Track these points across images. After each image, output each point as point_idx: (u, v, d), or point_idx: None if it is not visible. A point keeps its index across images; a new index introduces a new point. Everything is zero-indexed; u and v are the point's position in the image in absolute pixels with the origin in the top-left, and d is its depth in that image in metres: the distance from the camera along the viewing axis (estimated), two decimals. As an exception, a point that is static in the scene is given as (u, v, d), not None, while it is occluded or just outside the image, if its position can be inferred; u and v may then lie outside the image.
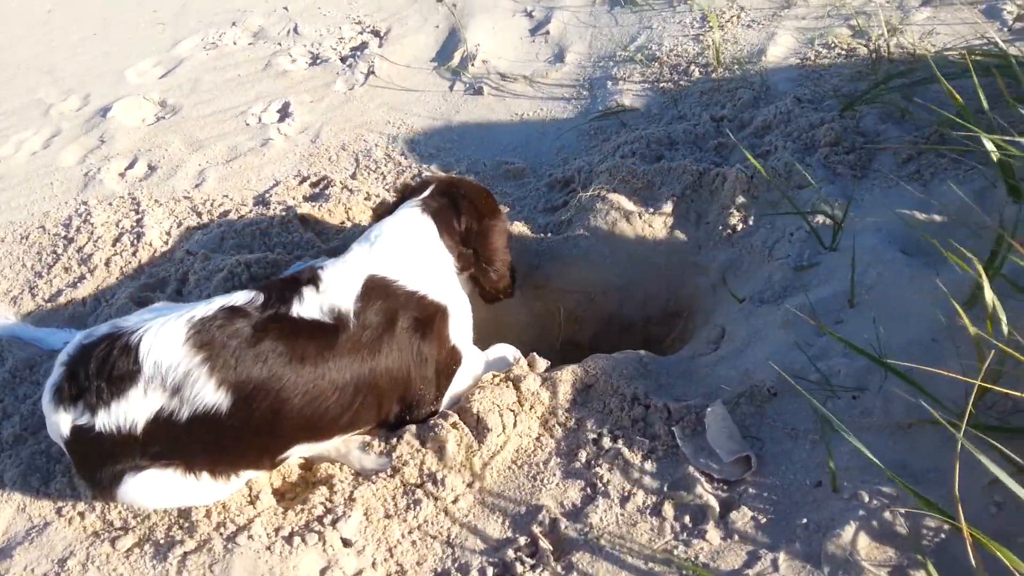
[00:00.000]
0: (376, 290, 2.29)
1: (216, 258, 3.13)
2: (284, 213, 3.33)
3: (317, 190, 3.60)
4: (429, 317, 2.36)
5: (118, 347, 2.05)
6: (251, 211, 3.44)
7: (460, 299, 2.54)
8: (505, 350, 2.67)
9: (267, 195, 3.56)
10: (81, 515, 2.30)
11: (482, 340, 3.05)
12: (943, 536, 1.88)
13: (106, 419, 2.02)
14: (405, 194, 2.73)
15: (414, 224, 2.53)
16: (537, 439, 2.38)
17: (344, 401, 2.21)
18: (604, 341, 3.12)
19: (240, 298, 2.19)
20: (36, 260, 3.35)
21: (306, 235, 3.22)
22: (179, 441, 2.07)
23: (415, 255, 2.45)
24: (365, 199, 3.41)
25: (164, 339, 2.06)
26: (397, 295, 2.32)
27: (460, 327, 2.49)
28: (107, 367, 2.03)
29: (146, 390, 2.02)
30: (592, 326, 3.11)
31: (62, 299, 3.13)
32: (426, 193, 2.65)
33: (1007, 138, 2.42)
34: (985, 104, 2.54)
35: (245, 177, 3.75)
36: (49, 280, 3.23)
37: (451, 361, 2.43)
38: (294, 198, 3.52)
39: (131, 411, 2.02)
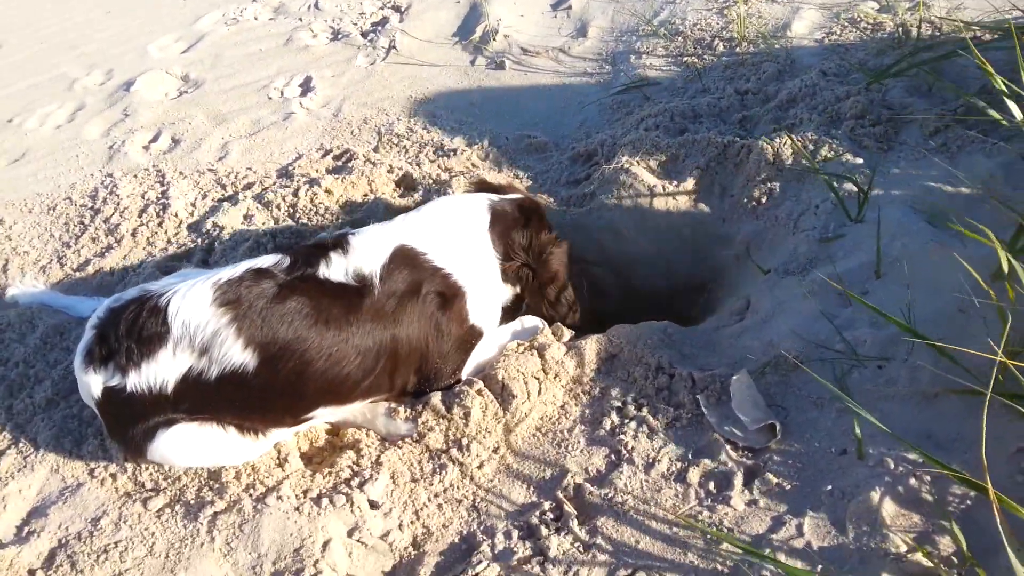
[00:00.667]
0: (403, 259, 2.30)
1: (240, 232, 3.14)
2: (308, 185, 3.34)
3: (340, 163, 3.61)
4: (451, 295, 2.37)
5: (147, 309, 2.08)
6: (275, 183, 3.45)
7: (487, 284, 2.53)
8: (532, 321, 2.67)
9: (290, 168, 3.58)
10: (113, 476, 2.33)
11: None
12: (968, 503, 1.88)
13: (137, 379, 2.05)
14: (484, 187, 2.73)
15: (468, 209, 2.54)
16: (562, 407, 2.40)
17: (366, 366, 2.23)
18: (628, 313, 3.11)
19: (267, 261, 2.21)
20: (64, 231, 3.39)
21: (330, 207, 3.23)
22: (208, 399, 2.10)
23: (453, 236, 2.46)
24: (388, 172, 3.42)
25: (192, 300, 2.08)
26: (423, 267, 2.33)
27: (482, 308, 2.48)
28: (136, 329, 2.06)
29: (175, 351, 2.05)
30: (616, 298, 3.11)
31: (90, 268, 3.16)
32: (508, 197, 2.65)
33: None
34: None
35: (268, 150, 3.76)
36: (77, 250, 3.27)
37: (469, 338, 2.43)
38: (317, 171, 3.53)
39: (161, 371, 2.05)
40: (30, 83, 4.67)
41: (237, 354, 2.07)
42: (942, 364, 2.10)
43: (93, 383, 2.10)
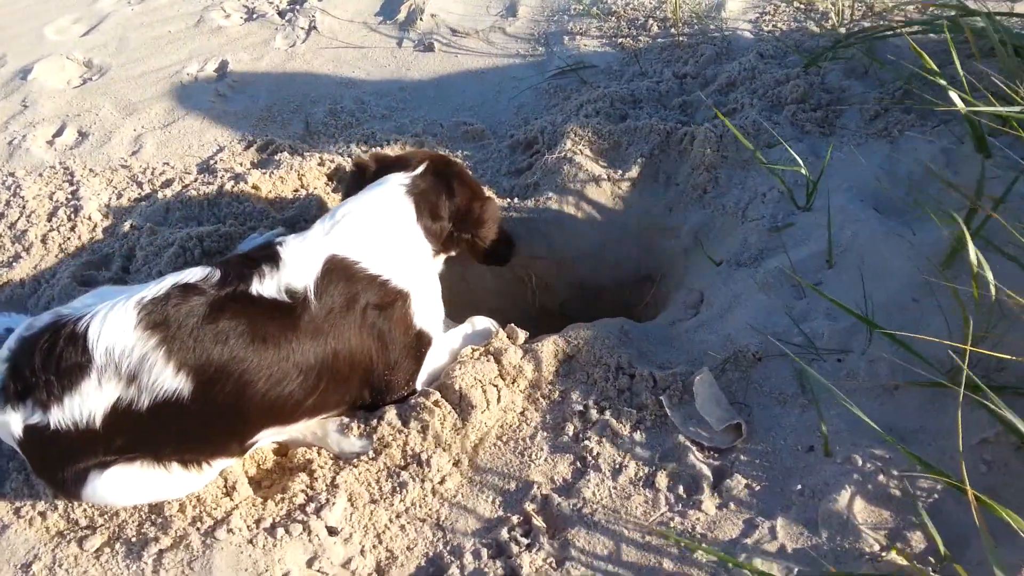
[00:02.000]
0: (336, 271, 2.15)
1: (164, 232, 2.91)
2: (233, 181, 3.11)
3: (265, 155, 3.38)
4: (391, 302, 2.23)
5: (64, 336, 1.88)
6: (196, 180, 3.20)
7: (428, 283, 2.42)
8: (483, 322, 2.56)
9: (212, 162, 3.33)
10: (42, 515, 2.12)
11: (454, 310, 2.94)
12: (936, 496, 1.89)
13: (60, 415, 1.86)
14: (387, 164, 2.55)
15: (391, 205, 2.39)
16: (522, 413, 2.30)
17: (308, 384, 2.08)
18: (575, 307, 3.04)
19: (194, 275, 2.03)
20: (-38, 239, 3.06)
21: (259, 205, 3.02)
22: (143, 431, 1.92)
23: (383, 238, 2.31)
24: (319, 164, 3.21)
25: (114, 323, 1.88)
26: (358, 278, 2.18)
27: (427, 311, 2.35)
28: (53, 359, 1.86)
29: (100, 380, 1.86)
30: (563, 292, 3.04)
31: (-4, 281, 2.87)
32: (418, 171, 2.49)
33: (975, 93, 2.41)
34: (957, 60, 2.52)
35: (186, 143, 3.49)
36: (-21, 260, 2.96)
37: (418, 345, 2.30)
38: (242, 164, 3.29)
39: (86, 404, 1.86)
40: (-92, 71, 4.20)
41: (169, 379, 1.89)
42: (900, 355, 2.11)
43: (12, 422, 1.89)
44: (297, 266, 2.11)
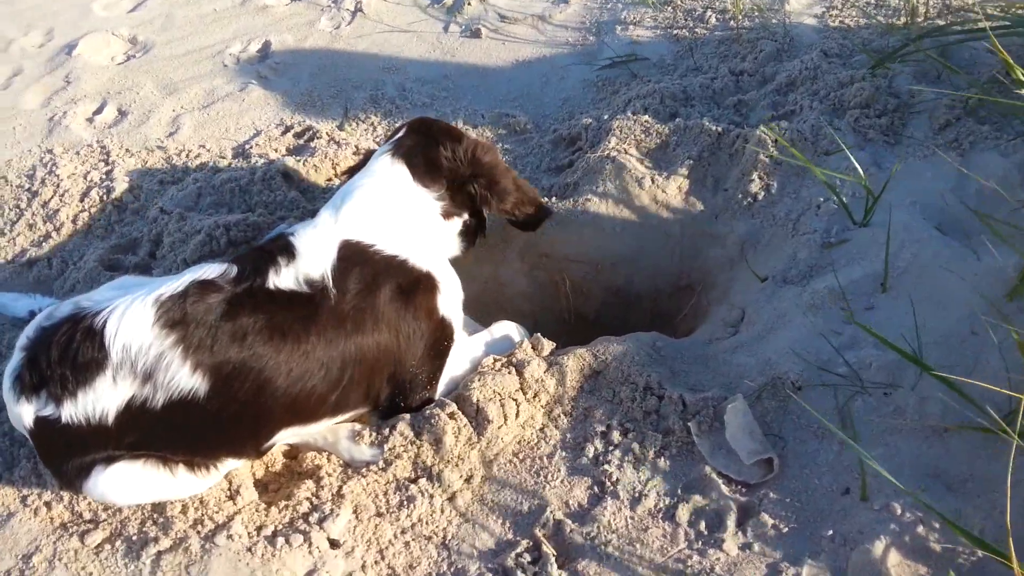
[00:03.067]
0: (352, 257, 2.10)
1: (192, 218, 2.89)
2: (266, 168, 3.08)
3: (301, 141, 3.35)
4: (412, 284, 2.17)
5: (81, 331, 1.88)
6: (230, 164, 3.19)
7: (445, 268, 2.35)
8: (508, 328, 2.48)
9: (247, 146, 3.31)
10: (48, 505, 2.13)
11: (484, 310, 2.87)
12: (980, 555, 1.74)
13: (73, 410, 1.87)
14: (366, 156, 2.55)
15: (383, 174, 2.33)
16: (541, 430, 2.22)
17: (332, 379, 2.04)
18: (610, 314, 2.94)
19: (211, 271, 2.00)
20: (-3, 215, 3.11)
21: (290, 194, 2.99)
22: (156, 430, 1.92)
23: (388, 212, 2.25)
24: (354, 154, 3.16)
25: (132, 321, 1.88)
26: (376, 261, 2.13)
27: (449, 299, 2.28)
28: (70, 354, 1.86)
29: (115, 378, 1.86)
30: (598, 298, 2.93)
31: (26, 259, 2.91)
32: (399, 135, 2.46)
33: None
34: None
35: (223, 125, 3.48)
36: (12, 239, 3.00)
37: (442, 336, 2.24)
38: (276, 150, 3.26)
39: (100, 401, 1.86)
40: (-39, 43, 4.29)
41: (185, 379, 1.87)
42: (953, 394, 1.95)
43: (24, 413, 1.91)
44: (312, 255, 2.07)
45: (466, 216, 2.48)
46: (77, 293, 2.67)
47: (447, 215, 2.41)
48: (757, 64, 3.19)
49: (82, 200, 3.09)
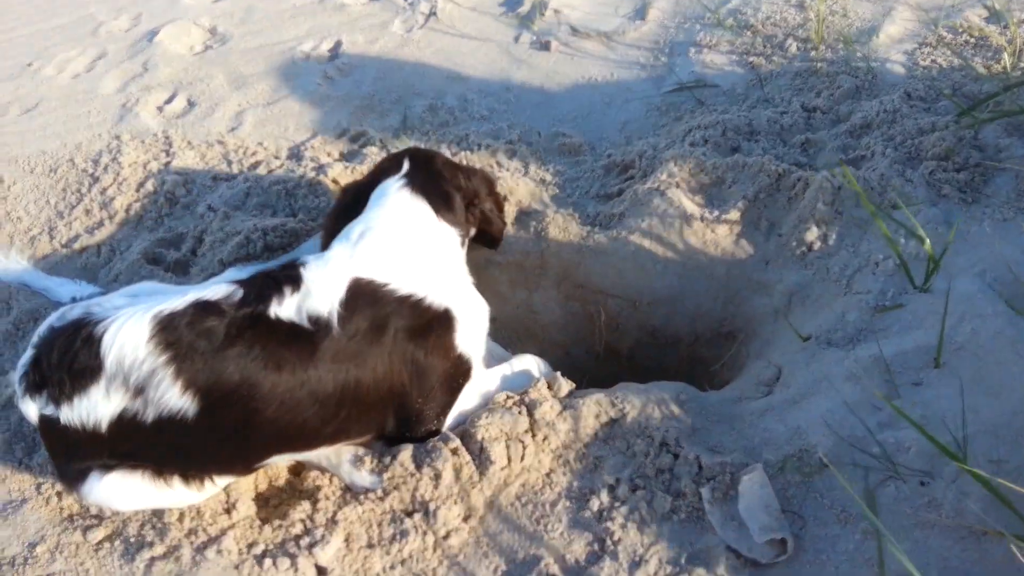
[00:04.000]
0: (362, 296, 2.07)
1: (236, 218, 2.94)
2: (315, 172, 3.10)
3: (356, 146, 3.36)
4: (427, 324, 2.13)
5: (82, 338, 1.92)
6: (282, 166, 3.22)
7: (470, 299, 2.31)
8: (529, 363, 2.41)
9: (302, 148, 3.33)
10: (59, 495, 2.20)
11: (513, 336, 2.82)
12: None
13: (70, 413, 1.91)
14: (367, 182, 2.47)
15: (405, 210, 2.30)
16: (547, 475, 2.14)
17: (326, 413, 2.02)
18: (644, 354, 2.83)
19: (216, 292, 2.00)
20: (60, 198, 3.23)
21: (333, 200, 2.99)
22: (147, 443, 1.93)
23: (409, 250, 2.22)
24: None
25: (128, 335, 1.89)
26: (387, 301, 2.09)
27: (470, 333, 2.23)
28: (68, 359, 1.91)
29: (108, 389, 1.89)
30: (632, 336, 2.82)
31: (77, 245, 3.01)
32: (405, 168, 2.42)
33: None
34: None
35: (283, 124, 3.52)
36: (69, 223, 3.11)
37: (457, 373, 2.19)
38: (329, 154, 3.28)
39: (93, 409, 1.90)
40: (54, 24, 4.50)
41: (175, 398, 1.88)
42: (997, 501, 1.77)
43: (29, 409, 1.98)
44: (320, 290, 2.04)
45: (472, 232, 2.55)
46: (120, 284, 2.75)
47: (463, 243, 2.42)
48: (833, 101, 3.00)
49: (138, 190, 3.18)
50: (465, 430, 2.17)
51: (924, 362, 2.12)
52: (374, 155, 3.21)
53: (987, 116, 2.62)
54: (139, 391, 1.88)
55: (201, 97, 3.74)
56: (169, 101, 3.74)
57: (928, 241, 2.28)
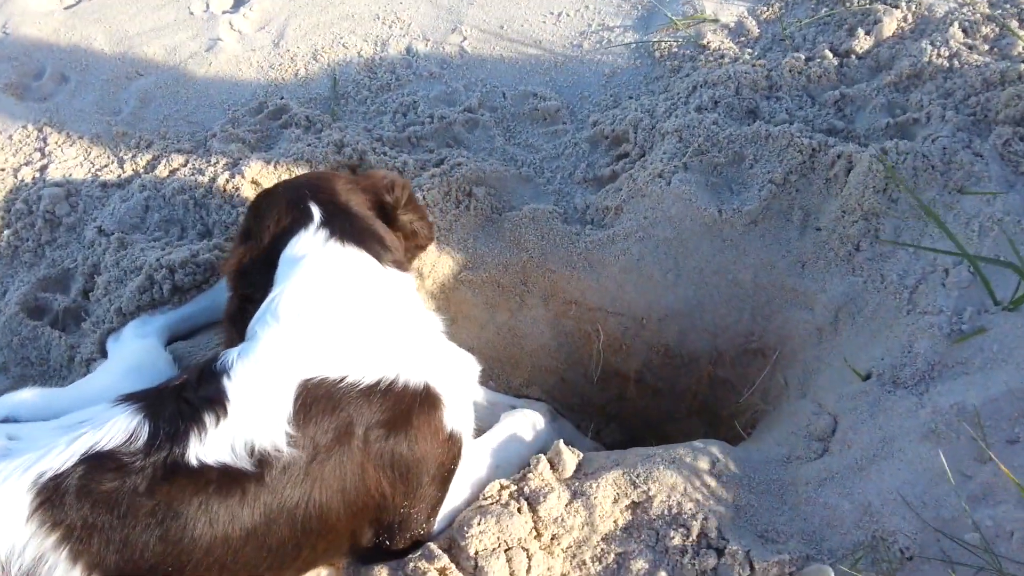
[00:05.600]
0: (316, 404, 1.65)
1: (135, 245, 2.45)
2: (228, 173, 2.58)
3: (276, 126, 2.82)
4: (405, 411, 1.74)
5: None
6: (186, 163, 2.68)
7: (450, 358, 1.92)
8: (518, 424, 2.05)
9: (209, 135, 2.79)
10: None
11: (495, 367, 2.42)
12: None
13: None
14: (275, 234, 1.93)
15: (344, 269, 1.84)
16: (560, 582, 1.79)
17: (284, 557, 1.67)
18: (656, 375, 2.45)
19: (112, 434, 1.56)
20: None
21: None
22: None
23: (363, 320, 1.79)
24: (336, 151, 2.62)
25: (1, 512, 1.46)
26: (347, 400, 1.68)
27: (456, 406, 1.85)
28: None
29: None
30: (640, 355, 2.44)
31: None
32: (317, 215, 1.90)
33: None
34: None
35: (182, 99, 2.96)
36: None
37: (448, 458, 1.83)
38: (245, 140, 2.74)
39: None
40: None
41: None
42: None
43: None
44: (257, 413, 1.60)
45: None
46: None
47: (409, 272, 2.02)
48: (870, 42, 2.51)
49: (7, 210, 2.64)
50: (452, 539, 1.80)
51: (1020, 410, 1.76)
52: (298, 141, 2.67)
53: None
54: None
55: (77, 68, 3.12)
56: (37, 78, 3.13)
57: (1012, 242, 1.89)
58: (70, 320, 2.40)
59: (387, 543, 1.80)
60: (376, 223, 1.97)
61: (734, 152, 2.36)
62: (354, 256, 1.85)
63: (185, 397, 1.62)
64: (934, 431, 1.79)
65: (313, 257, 1.82)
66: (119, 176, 2.71)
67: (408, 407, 1.74)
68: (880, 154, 2.13)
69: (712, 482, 1.87)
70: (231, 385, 1.62)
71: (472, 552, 1.76)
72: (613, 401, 2.53)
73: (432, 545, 1.79)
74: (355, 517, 1.72)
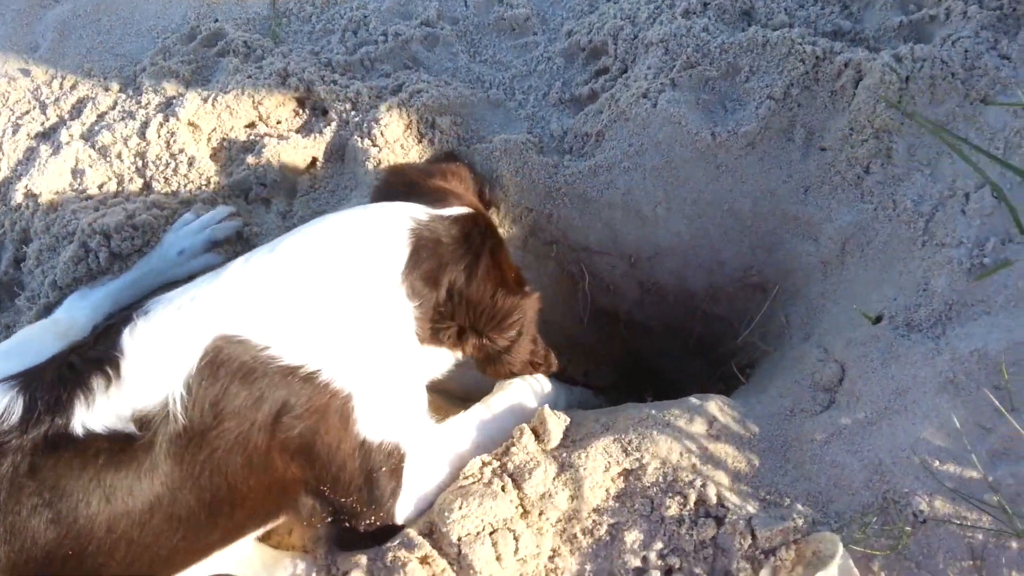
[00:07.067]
0: (225, 366, 1.54)
1: (66, 207, 2.30)
2: (163, 115, 2.41)
3: (212, 54, 2.62)
4: (319, 408, 1.63)
5: None
6: (115, 107, 2.51)
7: (388, 376, 1.76)
8: (520, 394, 1.97)
9: (138, 71, 2.60)
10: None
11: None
12: None
13: None
14: (398, 184, 1.87)
15: (372, 237, 1.71)
16: (551, 559, 1.76)
17: (199, 527, 1.61)
18: (648, 313, 2.36)
19: None
20: None
21: (201, 162, 2.34)
22: None
23: (333, 294, 1.66)
24: (282, 83, 2.44)
25: None
26: (262, 373, 1.57)
27: (379, 413, 1.73)
28: None
29: None
30: (632, 294, 2.35)
31: None
32: (445, 211, 1.78)
33: None
34: None
35: (107, 28, 2.76)
36: None
37: (367, 466, 1.71)
38: (177, 76, 2.55)
39: None
40: None
41: None
42: None
43: None
44: (151, 368, 1.51)
45: (458, 355, 1.94)
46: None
47: (424, 340, 1.86)
48: (877, -81, 2.29)
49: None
50: (433, 524, 1.75)
51: (1048, 354, 1.68)
52: (237, 72, 2.48)
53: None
54: None
55: (-13, -6, 2.89)
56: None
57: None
58: (3, 295, 2.29)
59: (347, 523, 1.74)
60: (449, 271, 1.75)
61: (727, 64, 2.19)
62: (395, 238, 1.70)
63: (70, 361, 1.54)
64: (953, 379, 1.72)
65: (376, 210, 1.76)
66: (43, 124, 2.54)
67: (324, 404, 1.63)
68: (894, 62, 1.97)
69: (710, 445, 1.81)
70: (130, 340, 1.53)
71: (455, 538, 1.71)
72: (601, 342, 2.45)
73: (411, 532, 1.74)
74: (270, 491, 1.65)
